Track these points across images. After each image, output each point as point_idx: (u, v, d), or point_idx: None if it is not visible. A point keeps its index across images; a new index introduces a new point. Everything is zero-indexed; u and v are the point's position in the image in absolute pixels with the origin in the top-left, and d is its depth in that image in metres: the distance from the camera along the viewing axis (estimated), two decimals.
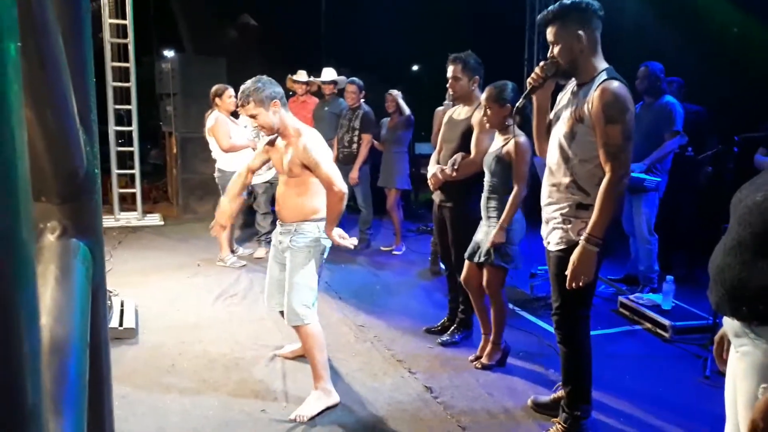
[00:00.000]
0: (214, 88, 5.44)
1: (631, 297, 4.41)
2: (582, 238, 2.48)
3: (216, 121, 5.30)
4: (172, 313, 4.32)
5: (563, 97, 2.68)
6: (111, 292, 4.26)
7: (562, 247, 2.61)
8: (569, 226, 2.57)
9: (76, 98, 0.70)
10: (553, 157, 2.64)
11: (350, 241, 3.00)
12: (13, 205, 0.42)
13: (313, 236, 3.03)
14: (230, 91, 5.39)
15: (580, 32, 2.47)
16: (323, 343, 3.05)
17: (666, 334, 3.97)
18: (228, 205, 3.20)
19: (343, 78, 6.43)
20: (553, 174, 2.64)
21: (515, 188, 3.28)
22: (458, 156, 3.59)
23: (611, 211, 2.44)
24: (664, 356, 3.78)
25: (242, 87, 2.95)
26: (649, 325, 4.14)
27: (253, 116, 2.93)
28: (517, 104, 2.80)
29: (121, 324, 3.87)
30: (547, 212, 2.69)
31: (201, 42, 9.55)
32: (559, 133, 2.60)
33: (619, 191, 2.44)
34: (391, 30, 8.66)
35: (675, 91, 5.05)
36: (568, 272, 2.51)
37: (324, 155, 2.97)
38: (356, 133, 5.98)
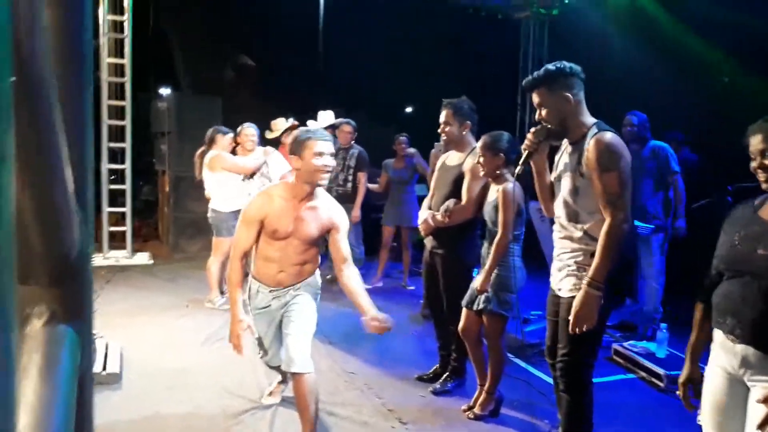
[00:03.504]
0: (210, 132, 5.45)
1: (626, 344, 4.36)
2: (584, 282, 2.48)
3: (219, 155, 5.28)
4: (158, 356, 4.23)
5: (560, 159, 2.75)
6: (95, 334, 4.18)
7: (575, 294, 2.61)
8: (582, 273, 2.58)
9: (73, 174, 0.68)
10: (560, 213, 2.69)
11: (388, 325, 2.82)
12: None
13: (318, 285, 3.00)
14: (227, 134, 5.42)
15: (567, 94, 2.56)
16: (318, 394, 2.97)
17: (661, 384, 3.91)
18: (241, 312, 2.87)
19: (339, 120, 6.48)
20: (565, 228, 2.67)
21: (498, 235, 3.25)
22: (450, 202, 3.57)
23: (612, 256, 2.46)
24: (660, 406, 3.71)
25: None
26: (643, 374, 4.08)
27: (334, 154, 2.87)
28: (517, 171, 2.82)
29: (104, 368, 3.78)
30: (560, 260, 2.70)
31: (198, 81, 9.65)
32: (564, 191, 2.65)
33: (618, 236, 2.46)
34: (388, 71, 8.79)
35: (675, 147, 5.16)
36: (570, 317, 2.50)
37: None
38: (351, 171, 6.04)
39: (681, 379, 2.13)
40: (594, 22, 7.11)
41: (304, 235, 2.82)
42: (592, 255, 2.56)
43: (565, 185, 2.64)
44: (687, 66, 6.29)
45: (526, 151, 2.68)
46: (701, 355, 2.05)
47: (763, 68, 5.50)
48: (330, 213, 2.88)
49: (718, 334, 1.93)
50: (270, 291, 2.93)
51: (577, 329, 2.50)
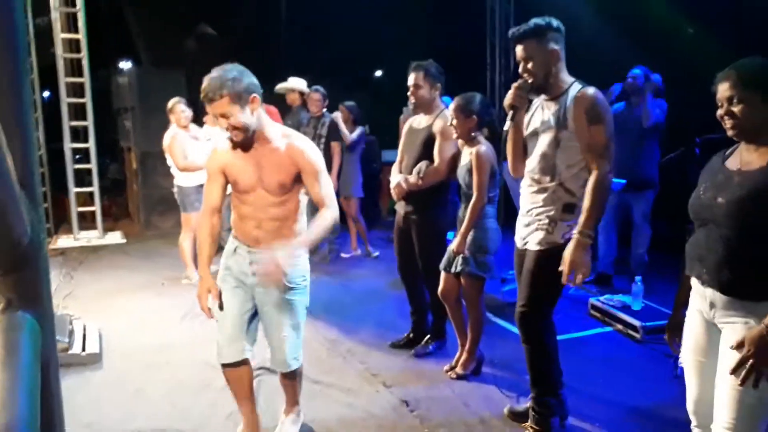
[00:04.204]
0: (169, 104, 5.31)
1: (602, 299, 4.46)
2: (575, 232, 2.54)
3: (171, 138, 5.15)
4: (137, 335, 4.19)
5: (534, 114, 2.75)
6: (72, 316, 4.12)
7: (543, 247, 2.67)
8: (554, 227, 2.64)
9: (15, 161, 0.66)
10: (534, 167, 2.71)
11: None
12: None
13: (306, 262, 2.68)
14: (181, 105, 5.25)
15: (556, 48, 2.58)
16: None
17: (637, 335, 4.01)
18: (209, 275, 2.66)
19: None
20: (538, 182, 2.70)
21: (473, 197, 3.26)
22: (423, 164, 3.55)
23: (601, 206, 2.54)
24: (637, 358, 3.81)
25: (210, 77, 2.36)
26: (620, 327, 4.18)
27: (224, 115, 2.35)
28: (505, 128, 2.78)
29: (84, 349, 3.73)
30: (530, 216, 2.74)
31: (158, 53, 9.35)
32: (542, 145, 2.67)
33: (606, 186, 2.54)
34: (352, 37, 8.64)
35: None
36: (564, 267, 2.53)
37: (323, 164, 2.59)
38: (322, 140, 5.92)
39: (667, 324, 2.26)
40: None
41: (269, 184, 2.52)
42: (566, 207, 2.62)
43: (545, 139, 2.65)
44: (654, 20, 6.30)
45: (515, 107, 2.68)
46: (686, 302, 2.12)
47: (728, 21, 5.55)
48: (292, 153, 2.50)
49: (693, 280, 2.04)
50: (249, 251, 2.64)
51: (571, 281, 2.55)
